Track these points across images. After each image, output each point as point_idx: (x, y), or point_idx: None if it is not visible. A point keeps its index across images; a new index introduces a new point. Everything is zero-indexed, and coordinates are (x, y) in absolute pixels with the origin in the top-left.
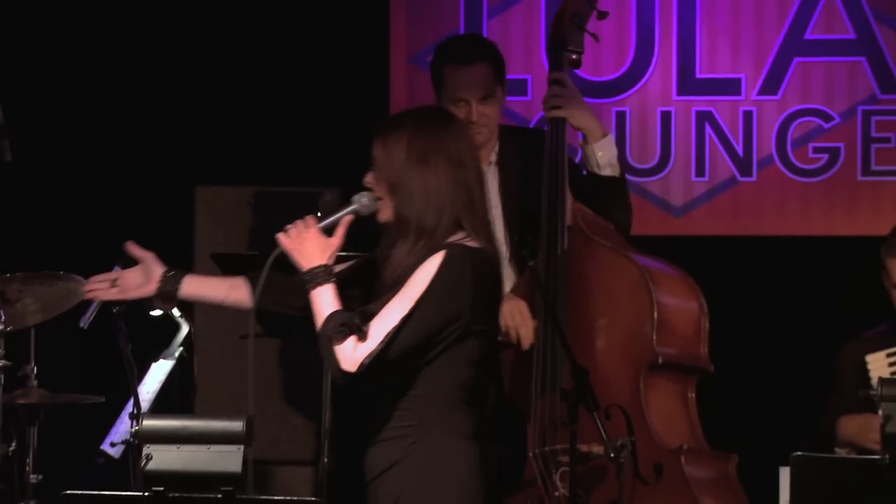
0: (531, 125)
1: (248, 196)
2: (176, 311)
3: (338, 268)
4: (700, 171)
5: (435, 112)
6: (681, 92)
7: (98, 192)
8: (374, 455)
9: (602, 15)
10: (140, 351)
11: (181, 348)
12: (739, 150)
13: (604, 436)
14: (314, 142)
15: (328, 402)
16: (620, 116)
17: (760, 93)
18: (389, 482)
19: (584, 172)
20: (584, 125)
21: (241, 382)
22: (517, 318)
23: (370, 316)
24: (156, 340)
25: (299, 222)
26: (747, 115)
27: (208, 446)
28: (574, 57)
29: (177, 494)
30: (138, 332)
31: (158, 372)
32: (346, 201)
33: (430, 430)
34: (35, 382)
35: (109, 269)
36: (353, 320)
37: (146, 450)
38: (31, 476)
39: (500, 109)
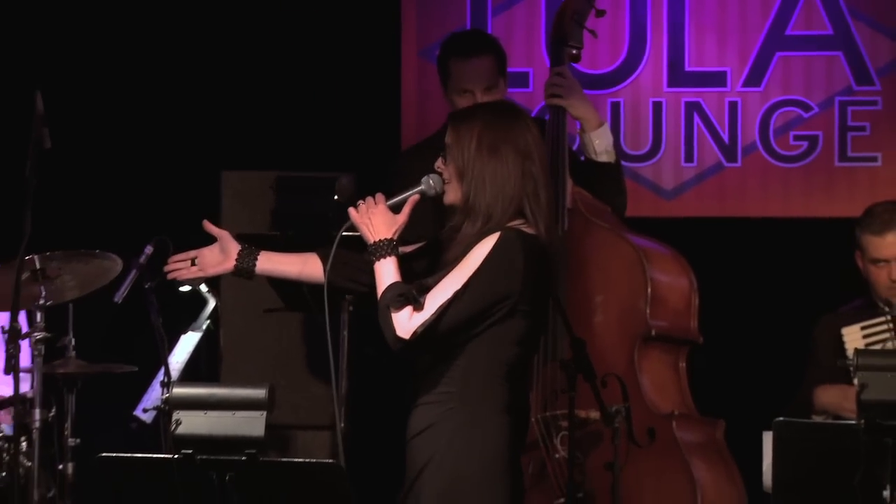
0: (532, 115)
1: (271, 180)
2: (203, 287)
3: (407, 249)
4: (689, 158)
5: (506, 107)
6: (671, 84)
7: (131, 177)
8: (415, 416)
9: (600, 13)
10: (170, 324)
11: (208, 321)
12: (725, 137)
13: (600, 402)
14: (331, 129)
15: (345, 370)
16: (615, 107)
17: (745, 85)
18: (425, 442)
19: (582, 158)
20: (583, 115)
21: (263, 353)
22: None
23: (427, 289)
24: (184, 314)
25: (369, 198)
26: (732, 106)
27: (233, 412)
28: (574, 52)
29: (204, 457)
30: (168, 307)
31: (187, 343)
32: (359, 185)
33: (468, 400)
34: (73, 353)
35: (142, 248)
36: (410, 291)
37: (176, 415)
38: (70, 440)
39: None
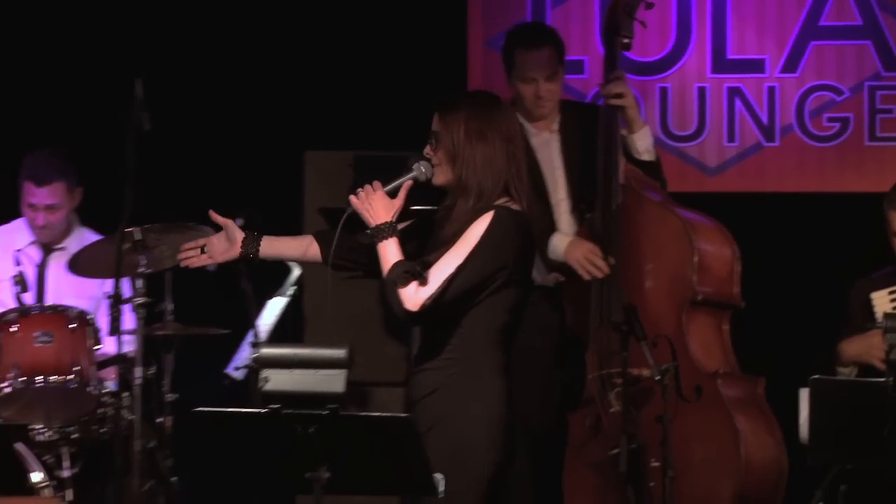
0: (587, 100)
1: (350, 159)
2: None
3: (400, 226)
4: (731, 138)
5: (487, 95)
6: (714, 70)
7: (224, 156)
8: (419, 380)
9: (649, 5)
10: (258, 290)
11: (293, 288)
12: (764, 119)
13: (651, 361)
14: (405, 112)
15: (416, 329)
16: (663, 91)
17: (782, 71)
18: (430, 406)
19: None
20: (633, 117)
21: (343, 316)
22: (589, 256)
23: (429, 265)
24: (271, 281)
25: (367, 186)
26: (771, 90)
27: (316, 370)
28: (625, 41)
29: (289, 411)
30: (257, 274)
31: (274, 307)
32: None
33: (470, 364)
34: (171, 317)
35: (233, 221)
36: (414, 268)
37: (264, 373)
38: (168, 395)
39: (562, 86)
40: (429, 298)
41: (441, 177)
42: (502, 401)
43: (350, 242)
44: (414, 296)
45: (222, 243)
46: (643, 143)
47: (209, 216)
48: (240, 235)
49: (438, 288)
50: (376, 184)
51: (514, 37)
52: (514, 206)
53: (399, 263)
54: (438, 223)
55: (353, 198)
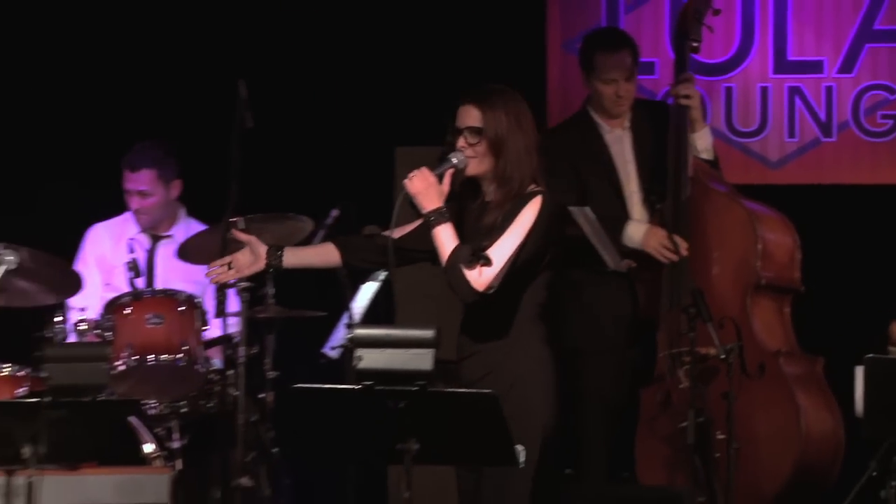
0: (657, 98)
1: (437, 154)
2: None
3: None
4: (791, 134)
5: (511, 89)
6: (776, 71)
7: (321, 152)
8: (473, 363)
9: (716, 12)
10: (353, 275)
11: (385, 273)
12: (822, 116)
13: (716, 341)
14: None
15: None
16: (728, 91)
17: (839, 72)
18: (492, 384)
19: None
20: (697, 117)
21: (431, 299)
22: (665, 243)
23: (484, 249)
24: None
25: (418, 172)
26: (828, 90)
27: (406, 349)
28: (694, 45)
29: (381, 387)
30: None
31: (367, 291)
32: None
33: (522, 339)
34: (272, 300)
35: (328, 212)
36: (477, 251)
37: (358, 352)
38: (269, 372)
39: (636, 86)
40: (495, 278)
41: (476, 167)
42: (553, 368)
43: (363, 244)
44: (479, 277)
45: (247, 258)
46: (703, 142)
47: (233, 236)
48: (263, 249)
49: (503, 268)
50: (425, 170)
51: (595, 41)
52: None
53: (459, 247)
54: (472, 213)
55: (408, 182)
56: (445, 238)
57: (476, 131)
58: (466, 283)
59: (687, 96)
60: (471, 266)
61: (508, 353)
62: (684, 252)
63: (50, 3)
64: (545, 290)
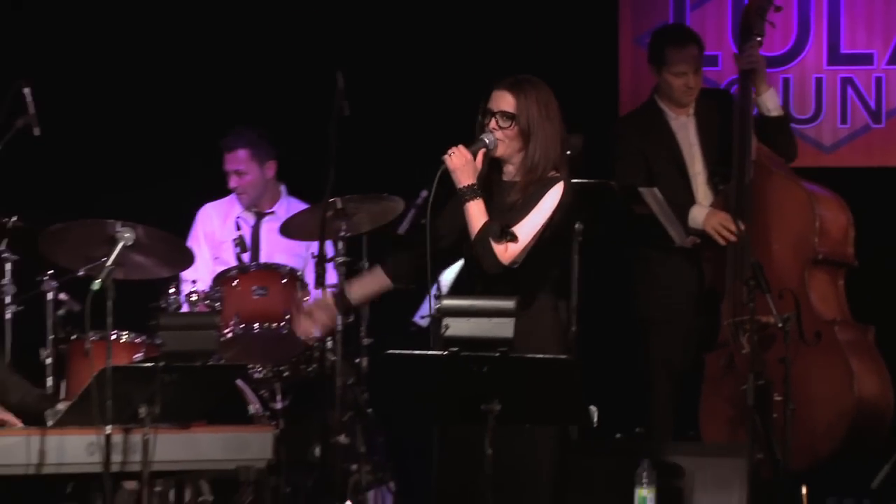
0: (721, 87)
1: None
2: None
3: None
4: (843, 120)
5: (536, 79)
6: (829, 63)
7: (412, 137)
8: None
9: (777, 8)
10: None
11: None
12: (872, 105)
13: (774, 311)
14: (565, 98)
15: (575, 284)
16: (786, 81)
17: (888, 63)
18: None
19: (755, 114)
20: (762, 79)
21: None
22: (724, 224)
23: (510, 227)
24: None
25: (456, 149)
26: (878, 80)
27: (489, 318)
28: (758, 40)
29: (466, 353)
30: None
31: (454, 265)
32: (586, 143)
33: (537, 307)
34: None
35: (418, 193)
36: (505, 228)
37: (445, 321)
38: (365, 339)
39: (702, 77)
40: (520, 253)
41: (504, 149)
42: (560, 328)
43: (404, 266)
44: (505, 252)
45: (324, 313)
46: (772, 102)
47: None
48: (331, 300)
49: (528, 244)
50: (461, 147)
51: (665, 36)
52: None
53: (489, 223)
54: (496, 192)
55: (447, 158)
56: (477, 212)
57: (509, 116)
58: (494, 255)
59: (753, 61)
60: (499, 241)
61: (526, 322)
62: (735, 238)
63: (169, 3)
64: (558, 267)
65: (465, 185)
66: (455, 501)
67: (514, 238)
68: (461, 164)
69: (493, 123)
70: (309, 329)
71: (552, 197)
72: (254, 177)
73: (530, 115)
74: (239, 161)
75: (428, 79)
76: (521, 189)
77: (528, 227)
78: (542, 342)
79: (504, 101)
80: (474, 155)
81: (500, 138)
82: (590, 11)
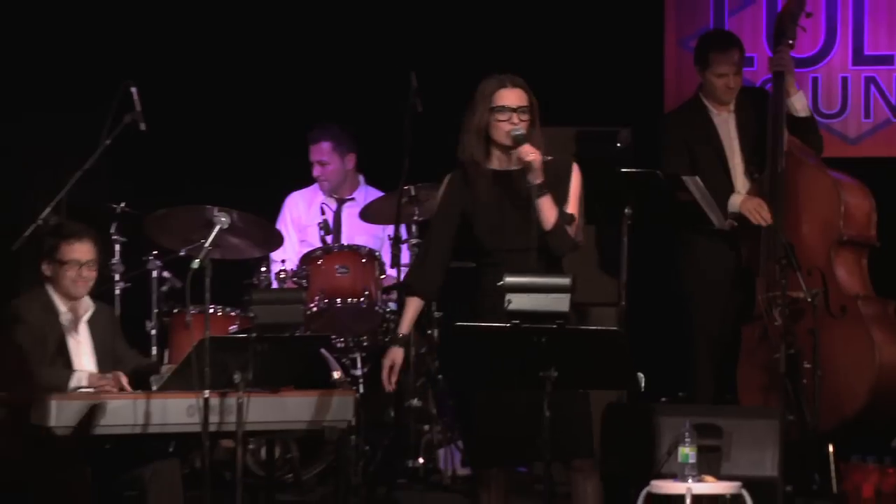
0: (757, 85)
1: (572, 133)
2: None
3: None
4: (867, 115)
5: None
6: (854, 64)
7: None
8: None
9: (808, 14)
10: None
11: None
12: (893, 101)
13: (804, 287)
14: (614, 95)
15: (625, 262)
16: (815, 80)
17: None
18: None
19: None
20: (791, 83)
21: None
22: (758, 208)
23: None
24: None
25: (535, 151)
26: None
27: (547, 294)
28: (791, 43)
29: (527, 325)
30: None
31: None
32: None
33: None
34: None
35: None
36: (568, 214)
37: (508, 297)
38: (436, 313)
39: (742, 78)
40: (579, 231)
41: (528, 137)
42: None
43: (428, 280)
44: (574, 235)
45: (399, 357)
46: (801, 103)
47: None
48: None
49: (580, 225)
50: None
51: (710, 41)
52: None
53: (562, 210)
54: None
55: (533, 156)
56: (550, 205)
57: (524, 109)
58: (570, 237)
59: (781, 65)
60: (571, 224)
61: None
62: (768, 220)
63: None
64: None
65: (540, 181)
66: (497, 448)
67: (573, 219)
68: (539, 165)
69: (514, 118)
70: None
71: (576, 178)
72: (335, 167)
73: (535, 105)
74: (322, 152)
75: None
76: (538, 172)
77: (575, 206)
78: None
79: (518, 96)
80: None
81: (526, 130)
82: (638, 16)
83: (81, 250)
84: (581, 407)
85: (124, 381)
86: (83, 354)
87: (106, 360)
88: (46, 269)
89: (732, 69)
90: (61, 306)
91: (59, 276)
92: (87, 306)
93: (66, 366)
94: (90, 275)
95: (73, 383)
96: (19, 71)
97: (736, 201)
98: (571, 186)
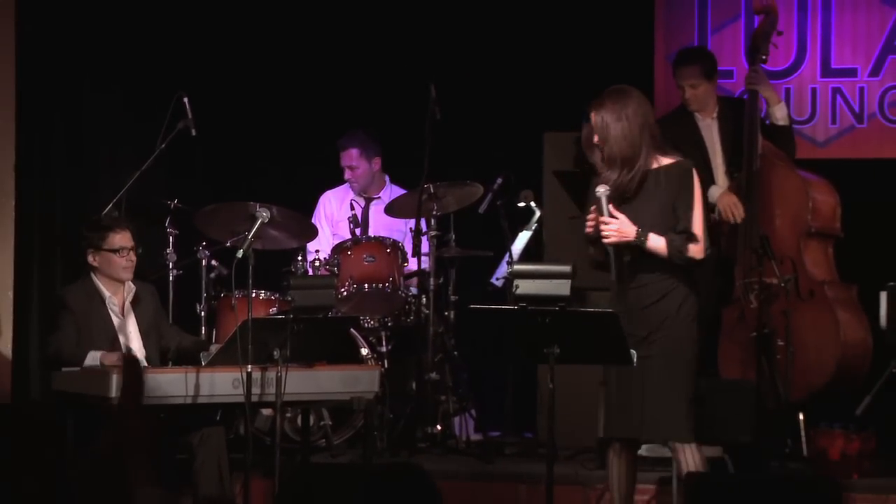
0: (735, 95)
1: (573, 138)
2: (533, 203)
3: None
4: (833, 121)
5: (623, 87)
6: (822, 76)
7: (489, 134)
8: (645, 291)
9: (779, 33)
10: (512, 225)
11: (536, 224)
12: (856, 108)
13: (777, 273)
14: None
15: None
16: (787, 91)
17: (869, 76)
18: (659, 308)
19: (767, 122)
20: (769, 95)
21: (570, 244)
22: (733, 206)
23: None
24: (521, 219)
25: (602, 224)
26: (861, 89)
27: (550, 279)
28: (763, 58)
29: (532, 308)
30: (512, 214)
31: (523, 237)
32: None
33: (682, 279)
34: (454, 244)
35: (495, 179)
36: (682, 235)
37: (516, 282)
38: (451, 297)
39: (714, 89)
40: (704, 243)
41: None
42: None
43: None
44: (697, 250)
45: None
46: (781, 112)
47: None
48: None
49: (704, 232)
50: (604, 217)
51: (678, 56)
52: None
53: (668, 240)
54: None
55: (607, 239)
56: (656, 245)
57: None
58: (690, 259)
59: (753, 83)
60: (686, 246)
61: (676, 287)
62: (741, 217)
63: (298, 33)
64: None
65: (632, 239)
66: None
67: (694, 238)
68: (618, 236)
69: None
70: None
71: (697, 183)
72: (363, 170)
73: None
74: (351, 158)
75: (500, 88)
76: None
77: (697, 220)
78: (691, 323)
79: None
80: (607, 211)
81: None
82: (631, 35)
83: (126, 237)
84: (681, 391)
85: (114, 359)
86: (131, 334)
87: (151, 335)
88: (93, 259)
89: (691, 81)
90: (106, 292)
91: (110, 263)
92: (130, 288)
93: (115, 348)
94: (134, 259)
95: (87, 361)
96: (87, 85)
97: (714, 193)
98: (695, 197)
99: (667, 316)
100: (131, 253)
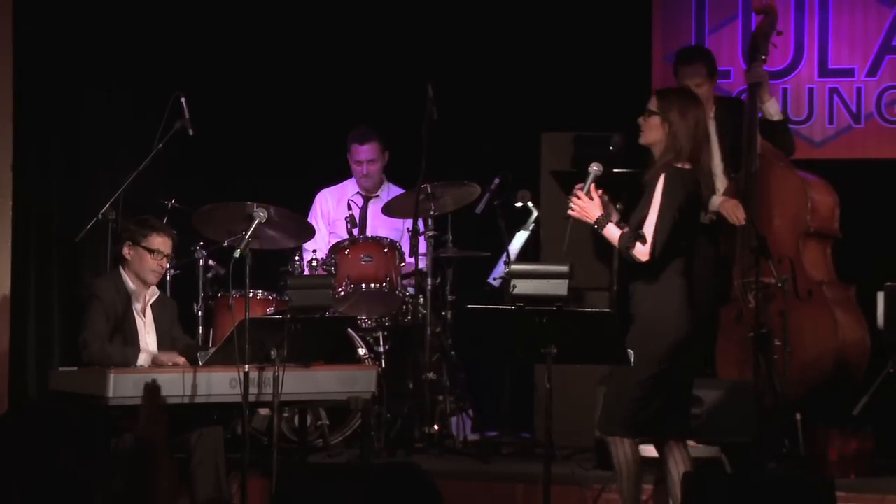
0: (733, 95)
1: (570, 138)
2: (530, 203)
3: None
4: (831, 121)
5: (677, 89)
6: (820, 76)
7: (486, 135)
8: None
9: (779, 33)
10: (509, 225)
11: (533, 224)
12: (854, 109)
13: (775, 273)
14: (607, 103)
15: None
16: (785, 91)
17: (866, 76)
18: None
19: (760, 115)
20: (766, 90)
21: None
22: (735, 209)
23: (639, 228)
24: (518, 219)
25: (573, 197)
26: (858, 89)
27: (548, 279)
28: (763, 58)
29: (530, 308)
30: (509, 214)
31: (520, 237)
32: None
33: (662, 280)
34: (451, 244)
35: (492, 179)
36: (634, 233)
37: (513, 282)
38: (449, 296)
39: (713, 89)
40: (653, 245)
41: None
42: (685, 297)
43: None
44: (641, 251)
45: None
46: (773, 108)
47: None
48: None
49: (656, 237)
50: (577, 198)
51: (679, 56)
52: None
53: (622, 235)
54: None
55: (571, 213)
56: (611, 234)
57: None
58: (634, 258)
59: (756, 77)
60: (633, 245)
61: (654, 290)
62: (742, 220)
63: (296, 33)
64: (685, 241)
65: (593, 220)
66: None
67: (643, 238)
68: (581, 213)
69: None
70: None
71: (658, 189)
72: (381, 164)
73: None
74: (372, 151)
75: (497, 88)
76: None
77: (652, 221)
78: (666, 307)
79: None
80: (587, 190)
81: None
82: (629, 35)
83: (167, 244)
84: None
85: (180, 360)
86: (148, 334)
87: (164, 340)
88: (128, 252)
89: (696, 80)
90: (132, 287)
91: (141, 261)
92: (153, 293)
93: (133, 342)
94: (165, 266)
95: (140, 362)
96: (85, 86)
97: (716, 201)
98: (655, 199)
99: (640, 313)
100: (165, 259)
